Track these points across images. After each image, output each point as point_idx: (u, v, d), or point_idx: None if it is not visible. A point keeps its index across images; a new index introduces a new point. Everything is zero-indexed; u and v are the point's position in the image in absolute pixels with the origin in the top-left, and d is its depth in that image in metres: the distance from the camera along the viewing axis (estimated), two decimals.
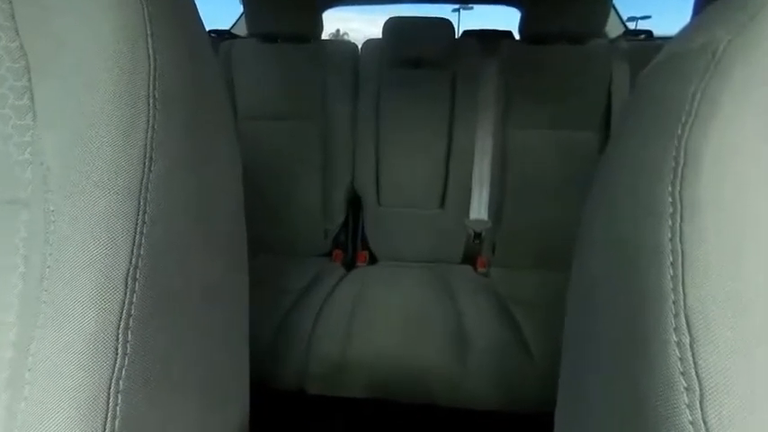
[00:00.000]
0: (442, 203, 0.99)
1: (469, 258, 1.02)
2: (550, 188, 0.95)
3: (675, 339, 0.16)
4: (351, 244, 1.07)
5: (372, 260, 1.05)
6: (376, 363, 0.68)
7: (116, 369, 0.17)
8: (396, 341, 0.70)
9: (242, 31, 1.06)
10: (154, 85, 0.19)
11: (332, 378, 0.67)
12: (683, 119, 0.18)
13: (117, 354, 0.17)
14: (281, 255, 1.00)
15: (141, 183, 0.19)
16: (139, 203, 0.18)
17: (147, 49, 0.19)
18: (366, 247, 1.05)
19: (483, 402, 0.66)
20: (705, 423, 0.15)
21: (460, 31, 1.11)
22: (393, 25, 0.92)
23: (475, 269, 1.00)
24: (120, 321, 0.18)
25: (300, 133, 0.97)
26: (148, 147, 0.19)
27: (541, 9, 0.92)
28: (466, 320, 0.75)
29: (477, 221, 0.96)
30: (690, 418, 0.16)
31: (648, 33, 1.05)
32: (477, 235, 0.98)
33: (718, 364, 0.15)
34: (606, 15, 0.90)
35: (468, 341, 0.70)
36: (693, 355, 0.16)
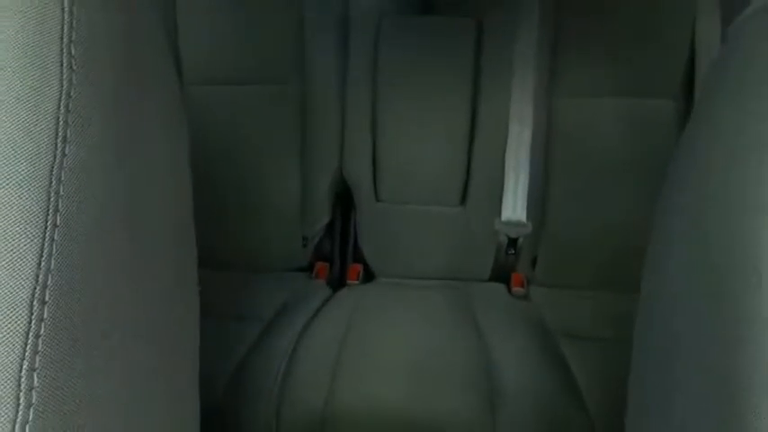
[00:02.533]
0: (464, 199, 0.84)
1: (501, 275, 0.87)
2: (613, 178, 0.79)
3: (755, 266, 0.15)
4: (338, 254, 0.93)
5: (368, 276, 0.90)
6: (372, 420, 0.59)
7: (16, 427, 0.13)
8: (399, 390, 0.61)
9: None
10: (69, 38, 0.16)
11: None
12: None
13: (18, 405, 0.13)
14: (242, 271, 0.84)
15: (51, 171, 0.15)
16: (49, 199, 0.15)
17: None
18: (359, 258, 0.90)
19: None
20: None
21: None
22: None
23: (509, 289, 0.85)
24: (22, 361, 0.13)
25: (269, 103, 0.82)
26: (61, 122, 0.15)
27: None
28: (496, 359, 0.66)
29: (513, 224, 0.79)
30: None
31: None
32: (513, 242, 0.81)
33: (747, 411, 0.15)
34: None
35: (500, 388, 0.62)
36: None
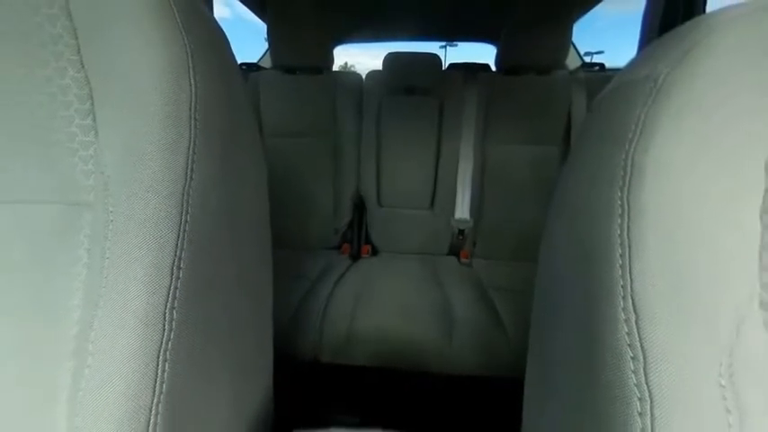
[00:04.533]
0: (432, 205, 1.08)
1: (454, 251, 1.09)
2: (522, 193, 1.04)
3: (624, 318, 0.17)
4: (356, 238, 1.15)
5: (374, 252, 1.12)
6: (377, 337, 0.71)
7: (164, 342, 0.19)
8: (394, 319, 0.74)
9: (267, 63, 1.17)
10: (195, 109, 0.20)
11: (341, 349, 0.71)
12: (630, 136, 0.19)
13: (164, 330, 0.19)
14: (299, 249, 1.07)
15: (184, 189, 0.20)
16: (182, 206, 0.20)
17: (189, 79, 0.20)
18: (369, 241, 1.13)
19: (466, 369, 0.70)
20: (648, 386, 0.17)
21: (447, 64, 1.20)
22: (391, 59, 1.03)
23: (459, 260, 1.07)
24: (166, 303, 0.19)
25: (315, 147, 1.07)
26: (190, 160, 0.20)
27: (513, 46, 1.03)
28: (452, 303, 0.80)
29: (461, 220, 1.04)
30: (635, 381, 0.17)
31: (601, 66, 1.15)
32: (461, 231, 1.05)
33: (659, 338, 0.17)
34: (566, 51, 1.00)
35: (454, 319, 0.75)
36: (638, 330, 0.17)
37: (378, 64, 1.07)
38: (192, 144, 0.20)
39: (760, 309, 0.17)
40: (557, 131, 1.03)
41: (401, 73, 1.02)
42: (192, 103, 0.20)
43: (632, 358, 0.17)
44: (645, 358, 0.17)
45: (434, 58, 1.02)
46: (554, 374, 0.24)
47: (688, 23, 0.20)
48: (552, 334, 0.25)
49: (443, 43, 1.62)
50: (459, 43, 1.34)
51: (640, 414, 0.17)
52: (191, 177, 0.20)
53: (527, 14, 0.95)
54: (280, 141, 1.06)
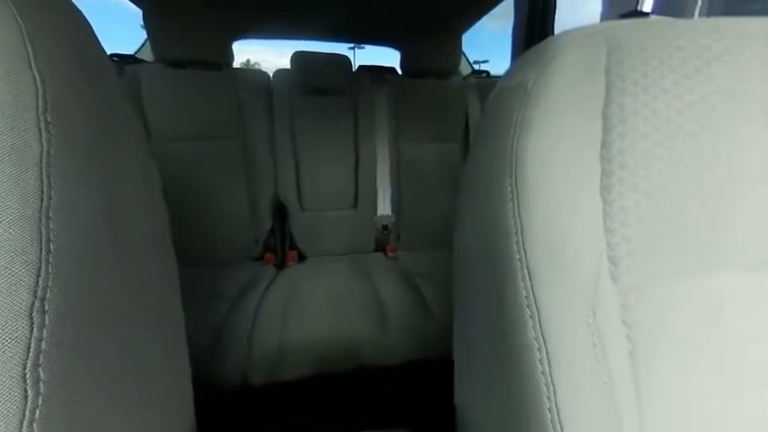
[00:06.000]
0: (356, 204, 1.09)
1: (380, 246, 1.13)
2: (434, 187, 1.11)
3: (523, 284, 0.20)
4: (280, 246, 1.10)
5: (301, 258, 1.09)
6: (312, 344, 0.70)
7: (27, 411, 0.14)
8: (326, 321, 0.74)
9: (148, 56, 1.00)
10: (44, 109, 0.16)
11: (273, 366, 0.68)
12: (512, 134, 0.22)
13: (26, 395, 0.14)
14: (214, 265, 0.97)
15: (41, 212, 0.16)
16: (40, 233, 0.16)
17: (31, 71, 0.16)
18: (294, 247, 1.09)
19: (401, 355, 0.73)
20: (542, 335, 0.20)
21: (356, 66, 1.21)
22: (300, 58, 0.99)
23: (385, 255, 1.12)
24: (26, 361, 0.15)
25: (222, 151, 0.97)
26: (44, 174, 0.16)
27: (414, 51, 1.10)
28: (382, 296, 0.83)
29: (383, 217, 1.08)
30: (534, 334, 0.20)
31: (488, 73, 1.31)
32: (385, 227, 1.10)
33: (545, 295, 0.20)
34: (459, 58, 1.12)
35: (385, 310, 0.78)
36: (533, 291, 0.20)
37: (285, 63, 1.03)
38: (44, 153, 0.16)
39: (608, 263, 0.22)
40: (457, 130, 1.14)
41: (311, 73, 1.00)
42: (39, 102, 0.16)
43: (530, 316, 0.20)
44: (538, 313, 0.20)
45: (344, 60, 1.02)
46: (474, 343, 0.27)
47: (544, 42, 0.25)
48: (470, 308, 0.27)
49: (351, 45, 1.62)
50: (366, 46, 1.35)
51: (540, 360, 0.20)
52: (48, 196, 0.16)
53: (423, 23, 1.02)
54: (177, 146, 0.94)
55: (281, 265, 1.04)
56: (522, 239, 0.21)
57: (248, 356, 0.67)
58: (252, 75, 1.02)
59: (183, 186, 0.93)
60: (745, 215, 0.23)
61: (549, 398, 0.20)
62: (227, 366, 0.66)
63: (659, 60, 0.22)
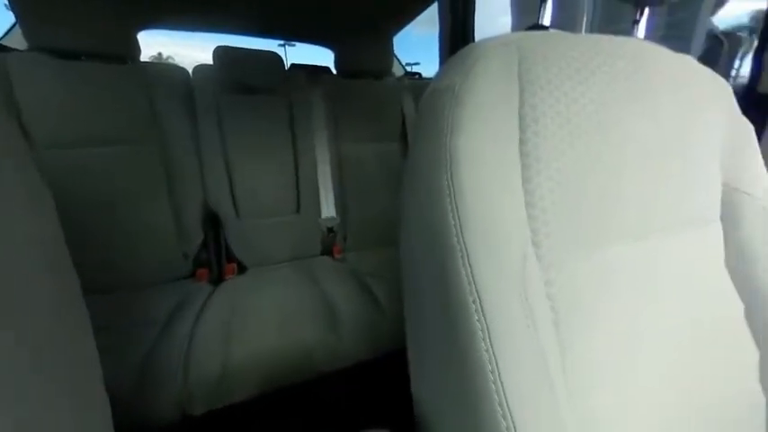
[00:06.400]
0: (298, 208, 1.05)
1: (327, 249, 1.11)
2: (376, 186, 1.12)
3: (464, 272, 0.22)
4: (215, 260, 1.00)
5: (241, 269, 1.01)
6: (259, 359, 0.66)
7: None
8: (274, 334, 0.70)
9: (20, 44, 0.82)
10: None
11: (217, 392, 0.62)
12: (445, 132, 0.24)
13: None
14: (135, 289, 0.86)
15: None
16: None
17: None
18: (232, 258, 1.00)
19: (357, 356, 0.72)
20: (484, 315, 0.22)
21: (289, 64, 1.17)
22: (226, 53, 0.91)
23: (332, 257, 1.09)
24: None
25: (134, 157, 0.85)
26: None
27: (348, 52, 1.10)
28: (333, 299, 0.81)
29: (328, 219, 1.06)
30: (477, 317, 0.22)
31: (419, 74, 1.38)
32: (330, 229, 1.07)
33: (483, 279, 0.22)
34: (391, 60, 1.15)
35: (337, 313, 0.76)
36: (473, 277, 0.22)
37: (204, 57, 0.95)
38: None
39: (532, 246, 0.25)
40: (395, 130, 1.17)
41: (239, 70, 0.93)
42: None
43: (473, 301, 0.22)
44: (479, 298, 0.22)
45: (275, 57, 0.97)
46: (425, 334, 0.28)
47: (467, 48, 0.27)
48: (419, 300, 0.28)
49: (281, 42, 1.54)
50: (297, 43, 1.31)
51: (483, 340, 0.22)
52: None
53: (355, 24, 1.03)
54: (74, 154, 0.80)
55: (217, 281, 0.95)
56: (461, 231, 0.22)
57: (184, 386, 0.60)
58: (166, 70, 0.91)
59: (85, 200, 0.79)
60: (627, 196, 0.28)
61: (492, 372, 0.21)
62: (159, 400, 0.58)
63: (559, 68, 0.26)
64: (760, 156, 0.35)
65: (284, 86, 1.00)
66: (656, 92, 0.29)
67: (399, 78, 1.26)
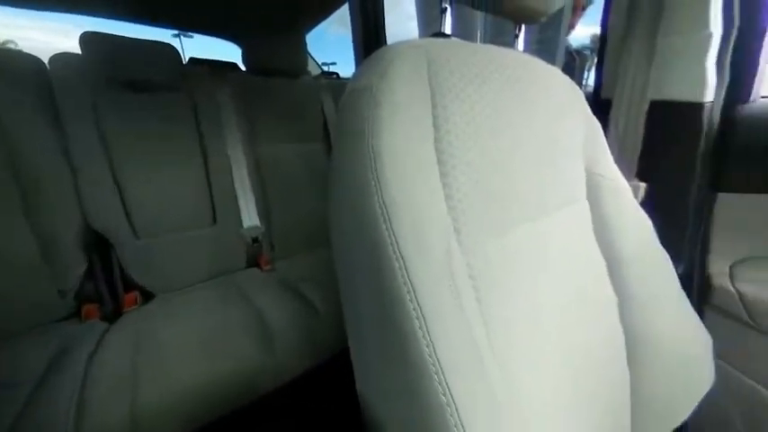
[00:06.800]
0: (214, 220, 0.94)
1: (253, 261, 1.02)
2: (301, 187, 1.07)
3: (397, 265, 0.24)
4: (107, 290, 0.82)
5: (147, 297, 0.86)
6: (180, 398, 0.58)
7: None
8: (197, 364, 0.62)
9: None
10: None
11: None
12: (366, 132, 0.25)
13: None
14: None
15: None
16: None
17: None
18: (132, 286, 0.85)
19: (299, 367, 0.69)
20: (419, 305, 0.23)
21: (187, 58, 1.03)
22: (100, 42, 0.76)
23: (260, 268, 1.01)
24: None
25: None
26: None
27: (256, 49, 1.03)
28: (265, 313, 0.75)
29: (251, 228, 0.97)
30: (412, 306, 0.23)
31: (337, 74, 1.37)
32: (255, 239, 0.99)
33: (414, 270, 0.24)
34: (305, 58, 1.12)
35: (271, 327, 0.71)
36: (406, 269, 0.24)
37: (63, 45, 0.80)
38: None
39: (454, 233, 0.28)
40: (317, 129, 1.14)
41: (123, 62, 0.78)
42: None
43: (407, 291, 0.23)
44: (413, 287, 0.23)
45: (170, 49, 0.85)
46: (365, 329, 0.29)
47: (381, 50, 0.28)
48: (356, 297, 0.28)
49: (176, 32, 1.35)
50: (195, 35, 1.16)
51: (419, 327, 0.23)
52: None
53: (264, 19, 0.98)
54: None
55: (113, 316, 0.79)
56: (391, 225, 0.23)
57: None
58: (9, 59, 0.71)
59: None
60: (522, 185, 0.33)
61: (430, 355, 0.23)
62: None
63: (461, 74, 0.30)
64: (607, 147, 0.45)
65: (184, 82, 0.89)
66: (534, 96, 0.36)
67: (316, 77, 1.23)
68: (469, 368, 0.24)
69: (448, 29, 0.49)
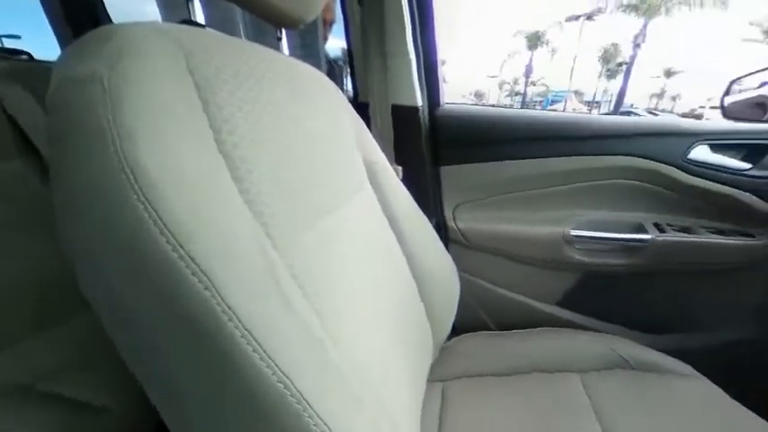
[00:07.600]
0: None
1: None
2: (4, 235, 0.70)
3: (208, 294, 0.20)
4: None
5: None
6: None
7: None
8: None
9: None
10: None
11: None
12: (110, 140, 0.19)
13: None
14: None
15: None
16: None
17: None
18: None
19: None
20: (248, 330, 0.20)
21: None
22: None
23: None
24: None
25: None
26: None
27: None
28: None
29: None
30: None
31: (29, 55, 0.91)
32: None
33: (239, 294, 0.21)
34: None
35: None
36: (222, 296, 0.20)
37: None
38: None
39: (266, 237, 0.26)
40: (3, 142, 0.74)
41: None
42: None
43: (229, 319, 0.20)
44: (234, 312, 0.20)
45: None
46: (177, 386, 0.23)
47: (103, 30, 0.23)
48: (156, 352, 0.22)
49: None
50: None
51: (255, 351, 0.21)
52: None
53: None
54: None
55: None
56: (185, 252, 0.19)
57: None
58: None
59: None
60: (318, 179, 0.35)
61: (274, 374, 0.21)
62: None
63: (234, 72, 0.28)
64: (373, 139, 0.57)
65: None
66: (309, 97, 0.39)
67: None
68: (316, 369, 0.24)
69: (199, 18, 0.44)
